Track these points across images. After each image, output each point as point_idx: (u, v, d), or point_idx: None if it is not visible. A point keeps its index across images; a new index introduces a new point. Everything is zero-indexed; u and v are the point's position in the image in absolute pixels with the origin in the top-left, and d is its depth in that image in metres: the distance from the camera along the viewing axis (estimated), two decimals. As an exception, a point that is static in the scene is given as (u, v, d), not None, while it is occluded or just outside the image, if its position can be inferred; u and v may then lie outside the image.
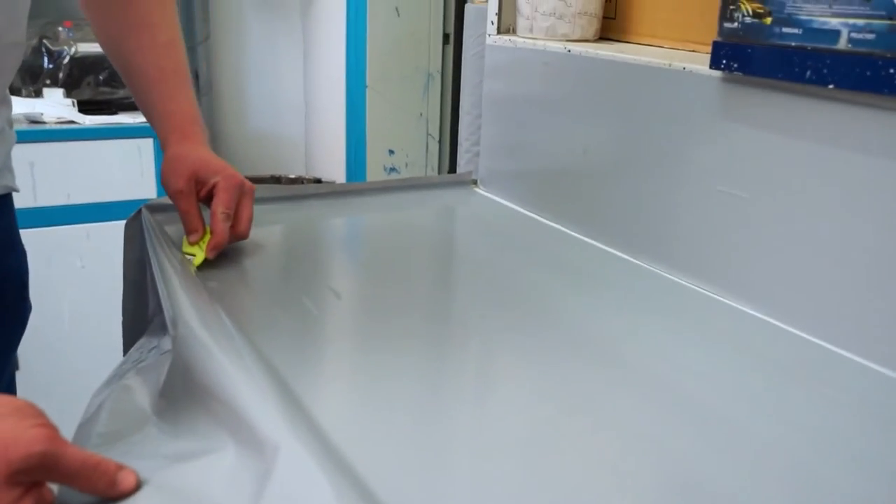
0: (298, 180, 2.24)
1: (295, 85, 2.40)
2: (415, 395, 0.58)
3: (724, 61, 0.71)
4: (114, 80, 1.70)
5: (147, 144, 1.67)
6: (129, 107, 1.71)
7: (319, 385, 0.59)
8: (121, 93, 1.71)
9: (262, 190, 1.01)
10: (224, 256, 0.78)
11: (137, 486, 0.43)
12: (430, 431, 0.53)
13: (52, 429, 0.42)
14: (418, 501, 0.45)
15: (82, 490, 0.43)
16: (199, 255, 0.74)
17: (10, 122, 0.77)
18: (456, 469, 0.50)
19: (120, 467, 0.44)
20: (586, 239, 0.92)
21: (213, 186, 0.74)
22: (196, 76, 2.01)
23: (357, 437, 0.50)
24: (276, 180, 2.23)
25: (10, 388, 0.84)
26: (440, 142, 2.14)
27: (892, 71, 0.57)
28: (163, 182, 0.76)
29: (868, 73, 0.59)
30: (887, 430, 0.56)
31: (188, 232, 0.75)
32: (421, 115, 2.10)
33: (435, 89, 2.10)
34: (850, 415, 0.57)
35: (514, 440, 0.53)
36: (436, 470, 0.49)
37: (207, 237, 0.75)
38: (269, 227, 0.95)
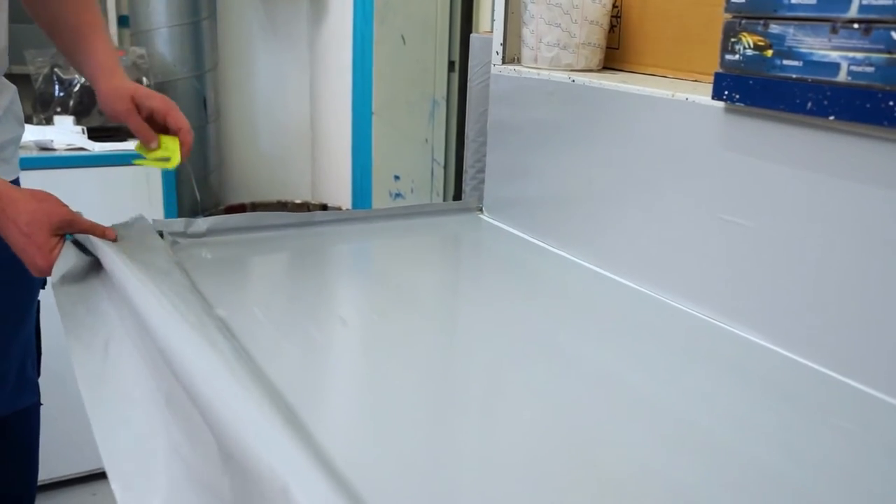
0: (304, 206, 2.26)
1: (301, 111, 2.43)
2: (420, 422, 0.58)
3: (726, 92, 0.72)
4: (123, 108, 1.72)
5: (155, 171, 1.69)
6: (138, 133, 1.72)
7: (326, 413, 0.59)
8: (130, 120, 1.73)
9: (268, 217, 1.02)
10: (231, 283, 0.79)
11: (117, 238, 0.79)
12: (435, 457, 0.53)
13: (70, 209, 0.77)
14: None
15: (94, 235, 0.77)
16: (173, 158, 0.87)
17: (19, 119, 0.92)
18: (461, 496, 0.50)
19: (106, 229, 0.80)
20: (591, 266, 0.93)
21: (154, 108, 0.87)
22: (204, 103, 2.03)
23: (361, 463, 0.51)
24: (283, 206, 2.24)
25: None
26: (445, 167, 2.16)
27: (891, 103, 0.58)
28: (106, 110, 0.88)
29: (867, 105, 0.60)
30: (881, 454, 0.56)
31: (146, 142, 0.87)
32: (426, 141, 2.12)
33: (440, 116, 2.12)
34: (838, 434, 0.58)
35: (518, 468, 0.53)
36: (442, 497, 0.50)
37: (168, 144, 0.87)
38: (275, 255, 0.96)
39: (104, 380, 0.60)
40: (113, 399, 0.58)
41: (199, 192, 1.93)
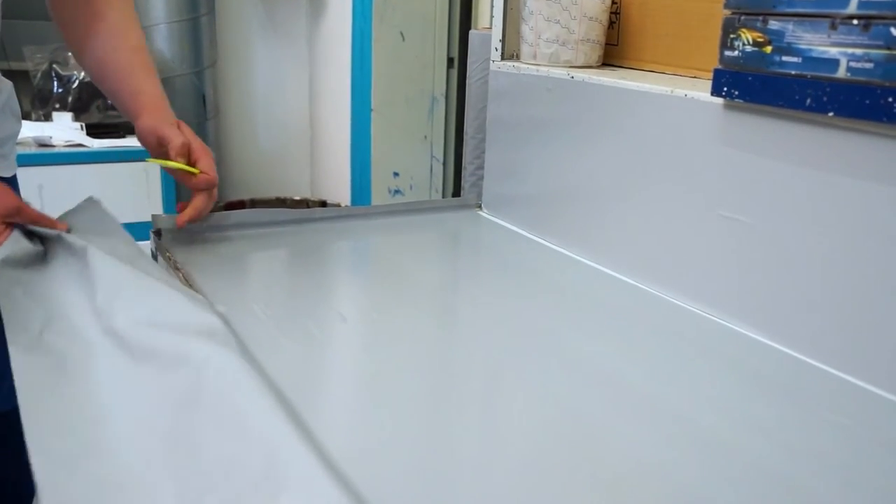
0: (304, 202, 2.25)
1: (301, 108, 2.42)
2: (419, 419, 0.59)
3: (725, 88, 0.72)
4: (122, 104, 1.72)
5: (154, 167, 1.69)
6: (136, 130, 1.72)
7: (324, 408, 0.59)
8: (129, 116, 1.73)
9: (267, 213, 1.02)
10: (230, 279, 0.79)
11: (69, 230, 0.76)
12: (434, 452, 0.53)
13: (19, 198, 0.76)
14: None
15: (42, 225, 0.76)
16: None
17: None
18: (460, 490, 0.50)
19: (56, 221, 0.78)
20: (589, 262, 0.93)
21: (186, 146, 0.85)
22: (203, 100, 2.03)
23: (359, 457, 0.51)
24: (282, 202, 2.24)
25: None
26: (444, 164, 2.15)
27: (890, 99, 0.58)
28: (146, 145, 0.88)
29: (867, 102, 0.60)
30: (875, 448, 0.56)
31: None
32: (426, 137, 2.12)
33: (439, 112, 2.11)
34: (838, 431, 0.58)
35: (517, 462, 0.53)
36: (440, 491, 0.50)
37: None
38: (274, 251, 0.96)
39: (36, 354, 0.60)
40: (43, 369, 0.58)
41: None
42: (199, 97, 2.01)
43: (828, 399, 0.63)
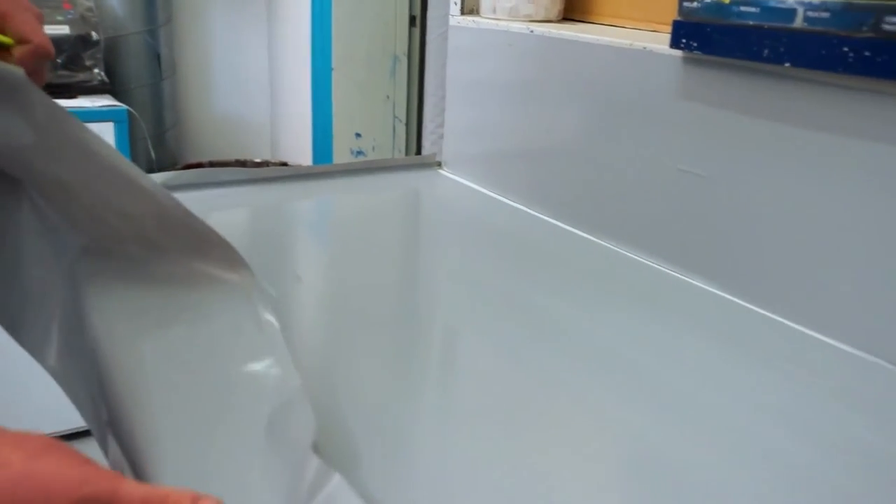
0: (264, 164, 2.22)
1: (260, 68, 2.37)
2: (378, 379, 0.58)
3: (684, 41, 0.71)
4: (73, 64, 1.66)
5: (108, 128, 1.64)
6: (89, 90, 1.67)
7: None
8: (80, 76, 1.68)
9: (226, 173, 1.00)
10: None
11: None
12: (395, 415, 0.53)
13: (95, 465, 0.36)
14: (387, 488, 0.45)
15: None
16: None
17: None
18: (421, 450, 0.50)
19: (198, 498, 0.36)
20: (550, 219, 0.92)
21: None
22: (158, 59, 1.98)
23: (322, 415, 0.50)
24: (242, 164, 2.20)
25: None
26: (407, 125, 2.13)
27: (845, 49, 0.57)
28: None
29: (823, 52, 0.59)
30: (847, 405, 0.57)
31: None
32: (388, 97, 2.09)
33: (402, 72, 2.08)
34: (809, 390, 0.58)
35: (480, 420, 0.53)
36: (401, 453, 0.49)
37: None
38: (229, 211, 0.94)
39: None
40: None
41: (154, 151, 1.89)
42: (153, 56, 1.95)
43: (781, 349, 0.64)
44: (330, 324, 0.68)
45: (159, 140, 2.00)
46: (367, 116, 2.07)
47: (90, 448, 0.42)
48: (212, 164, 2.15)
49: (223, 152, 2.32)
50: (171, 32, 2.09)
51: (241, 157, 2.27)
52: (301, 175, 1.06)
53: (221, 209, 0.94)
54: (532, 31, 0.92)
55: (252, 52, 2.34)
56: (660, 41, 0.78)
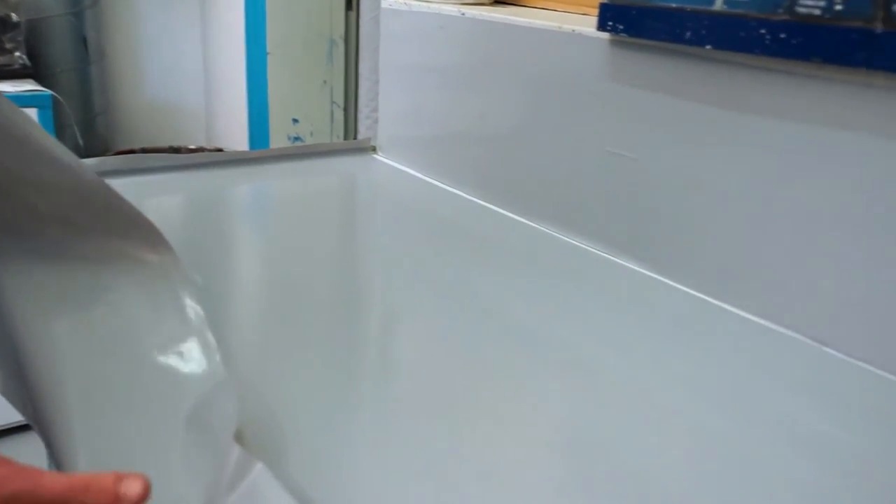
0: (199, 151, 2.17)
1: (193, 52, 2.31)
2: (310, 368, 0.57)
3: (610, 23, 0.72)
4: (-7, 47, 1.60)
5: (32, 114, 1.58)
6: (10, 75, 1.61)
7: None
8: (0, 60, 1.61)
9: (153, 159, 0.98)
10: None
11: (148, 490, 0.36)
12: (326, 405, 0.52)
13: (12, 464, 0.35)
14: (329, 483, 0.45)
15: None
16: None
17: None
18: (352, 440, 0.50)
19: (121, 477, 0.36)
20: (483, 203, 0.92)
21: None
22: (84, 43, 1.91)
23: (259, 388, 0.49)
24: (176, 151, 2.15)
25: None
26: (346, 110, 2.10)
27: (763, 31, 0.59)
28: None
29: (741, 34, 0.60)
30: (766, 376, 0.58)
31: None
32: (325, 82, 2.06)
33: (339, 56, 2.05)
34: (740, 368, 0.60)
35: (412, 409, 0.53)
36: (331, 443, 0.49)
37: None
38: (165, 197, 0.92)
39: None
40: None
41: (83, 137, 1.83)
42: (79, 40, 1.89)
43: (705, 326, 0.66)
44: (262, 311, 0.67)
45: (88, 126, 1.94)
46: (304, 101, 2.04)
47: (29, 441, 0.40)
48: (144, 151, 2.09)
49: (157, 139, 2.26)
50: (98, 15, 2.02)
51: (176, 143, 2.22)
52: (233, 161, 1.04)
53: (153, 196, 0.91)
54: (463, 14, 0.91)
55: (185, 35, 2.28)
56: (589, 24, 0.78)
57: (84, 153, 1.83)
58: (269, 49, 1.94)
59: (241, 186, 0.99)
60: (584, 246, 0.80)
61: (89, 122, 1.95)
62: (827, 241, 0.60)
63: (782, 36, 0.58)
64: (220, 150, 2.14)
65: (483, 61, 0.90)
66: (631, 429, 0.51)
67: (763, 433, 0.51)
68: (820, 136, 0.59)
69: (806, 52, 0.56)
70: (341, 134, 2.12)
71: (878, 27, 0.51)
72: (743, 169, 0.65)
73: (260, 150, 1.07)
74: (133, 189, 0.92)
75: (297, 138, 2.05)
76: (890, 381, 0.57)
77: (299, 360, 0.57)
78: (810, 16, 0.55)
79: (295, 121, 2.04)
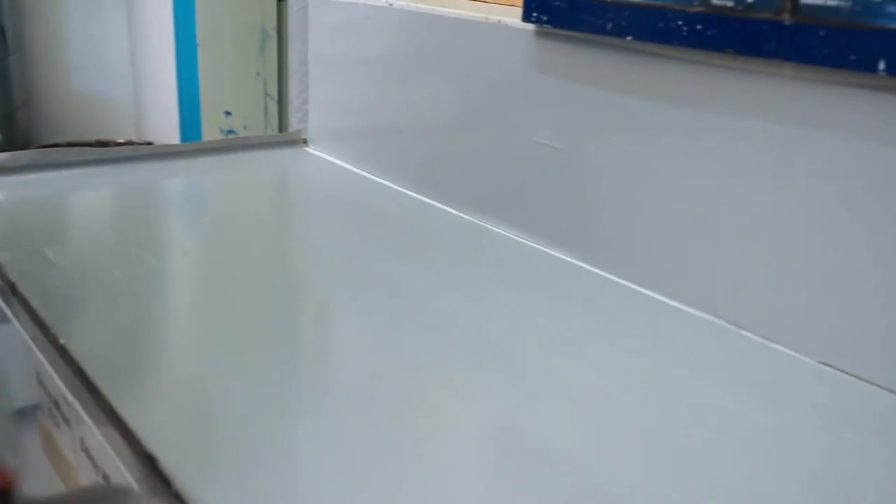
0: (128, 144, 2.12)
1: (120, 43, 2.25)
2: (241, 366, 0.56)
3: (535, 14, 0.73)
4: None
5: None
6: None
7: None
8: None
9: (83, 153, 0.95)
10: (17, 227, 0.72)
11: (11, 479, 0.36)
12: (264, 391, 0.52)
13: None
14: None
15: None
16: None
17: None
18: (298, 429, 0.49)
19: None
20: (413, 194, 0.92)
21: None
22: (2, 32, 1.84)
23: (205, 377, 0.48)
24: (103, 145, 2.09)
25: None
26: (280, 102, 2.07)
27: (679, 23, 0.60)
28: None
29: (660, 25, 0.61)
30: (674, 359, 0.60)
31: None
32: (258, 74, 2.02)
33: (272, 47, 2.02)
34: (661, 353, 0.61)
35: (345, 405, 0.52)
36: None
37: None
38: (90, 192, 0.90)
39: None
40: None
41: (2, 131, 1.76)
42: (-4, 30, 1.81)
43: (631, 314, 0.67)
44: (189, 310, 0.65)
45: (8, 120, 1.87)
46: (236, 94, 2.00)
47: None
48: (70, 145, 2.03)
49: (83, 132, 2.18)
50: (16, 4, 1.95)
51: (103, 137, 2.15)
52: (161, 154, 1.01)
53: (79, 190, 0.89)
54: (391, 5, 0.91)
55: (111, 26, 2.21)
56: (515, 15, 0.78)
57: (2, 148, 1.76)
58: (199, 41, 1.90)
59: (170, 180, 0.97)
60: (513, 236, 0.81)
61: (9, 116, 1.88)
62: (743, 226, 0.62)
63: (698, 27, 0.59)
64: (149, 143, 2.09)
65: (411, 52, 0.90)
66: (554, 414, 0.51)
67: (670, 410, 0.52)
68: (737, 126, 0.61)
69: (720, 43, 0.58)
70: (276, 126, 2.09)
71: (787, 19, 0.53)
72: (665, 157, 0.66)
73: (188, 143, 1.05)
74: (58, 184, 0.89)
75: (230, 131, 2.01)
76: (801, 360, 0.59)
77: (228, 359, 0.56)
78: (724, 7, 0.56)
79: (228, 113, 2.00)
